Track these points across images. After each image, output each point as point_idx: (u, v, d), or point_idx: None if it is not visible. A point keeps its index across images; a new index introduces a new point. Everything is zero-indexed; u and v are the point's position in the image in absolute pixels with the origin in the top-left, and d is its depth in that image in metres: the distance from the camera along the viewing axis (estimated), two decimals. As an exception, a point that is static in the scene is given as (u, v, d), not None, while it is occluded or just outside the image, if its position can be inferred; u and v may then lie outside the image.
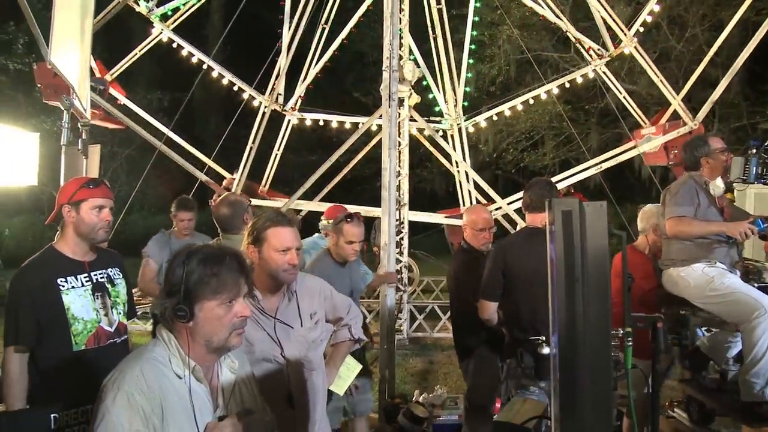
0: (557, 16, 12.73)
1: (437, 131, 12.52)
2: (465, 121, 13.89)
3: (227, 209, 4.99)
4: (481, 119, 14.08)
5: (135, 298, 4.23)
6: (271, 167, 13.43)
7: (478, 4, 14.31)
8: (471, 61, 14.97)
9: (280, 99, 13.17)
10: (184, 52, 12.48)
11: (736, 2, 12.33)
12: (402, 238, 11.35)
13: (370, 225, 11.28)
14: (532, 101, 13.99)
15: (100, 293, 3.65)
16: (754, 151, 5.06)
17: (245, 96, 12.89)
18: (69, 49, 5.77)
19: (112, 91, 11.87)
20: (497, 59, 20.37)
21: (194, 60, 12.57)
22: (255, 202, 10.00)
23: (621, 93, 12.47)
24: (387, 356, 7.08)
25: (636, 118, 12.35)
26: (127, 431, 2.15)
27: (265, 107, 12.64)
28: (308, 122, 13.75)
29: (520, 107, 14.08)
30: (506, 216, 11.42)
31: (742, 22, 11.52)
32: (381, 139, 7.99)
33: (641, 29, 12.34)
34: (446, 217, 12.65)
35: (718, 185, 4.81)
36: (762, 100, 18.02)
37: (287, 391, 3.18)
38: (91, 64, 9.30)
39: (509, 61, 20.18)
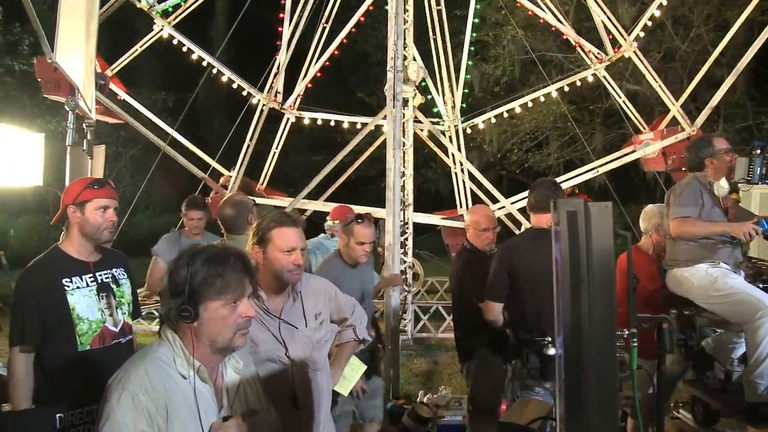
0: (558, 20, 12.70)
1: (432, 133, 12.49)
2: (463, 122, 13.86)
3: (231, 210, 5.00)
4: (479, 121, 14.06)
5: (140, 298, 4.24)
6: (269, 165, 13.39)
7: (478, 6, 14.27)
8: (470, 62, 14.93)
9: (279, 97, 13.14)
10: (184, 49, 12.47)
11: (741, 2, 12.30)
12: (406, 239, 11.36)
13: (375, 225, 11.26)
14: (531, 104, 13.94)
15: (104, 293, 3.65)
16: (759, 151, 5.06)
17: (244, 93, 12.88)
18: (74, 49, 5.79)
19: (113, 86, 11.86)
20: (501, 60, 20.34)
21: (194, 57, 12.55)
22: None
23: (621, 97, 12.44)
24: (391, 357, 7.08)
25: (638, 118, 12.32)
26: (131, 431, 2.16)
27: (263, 105, 12.61)
28: (306, 121, 13.70)
29: (518, 110, 14.04)
30: (510, 215, 11.41)
31: (747, 22, 11.46)
32: (385, 139, 8.00)
33: (641, 34, 12.30)
34: (443, 218, 12.63)
35: (722, 186, 4.80)
36: (767, 101, 17.98)
37: (292, 391, 3.18)
38: (92, 60, 9.32)
39: (513, 61, 20.14)
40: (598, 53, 12.42)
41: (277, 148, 13.48)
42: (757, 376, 4.33)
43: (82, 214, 3.59)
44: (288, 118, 13.38)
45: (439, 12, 13.14)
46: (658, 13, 12.37)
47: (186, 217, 6.57)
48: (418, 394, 7.28)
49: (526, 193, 9.87)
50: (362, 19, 12.83)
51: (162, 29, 12.11)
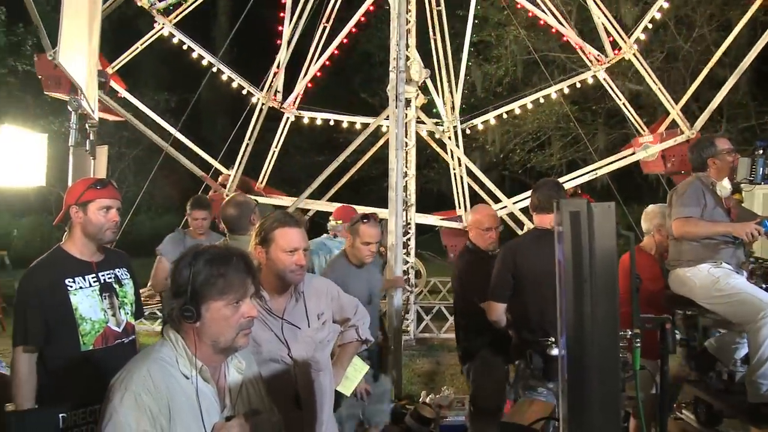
0: (559, 21, 12.69)
1: (433, 133, 12.49)
2: (462, 123, 13.84)
3: (234, 210, 5.00)
4: (478, 122, 14.05)
5: (143, 298, 4.24)
6: (269, 164, 13.38)
7: (479, 8, 14.26)
8: (470, 63, 14.91)
9: (279, 96, 13.13)
10: (184, 47, 12.48)
11: (745, 2, 12.28)
12: (409, 239, 11.36)
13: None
14: (530, 105, 13.93)
15: (107, 293, 3.65)
16: (761, 151, 5.06)
17: (244, 93, 12.88)
18: (77, 50, 5.80)
19: (113, 83, 11.86)
20: (504, 60, 20.33)
21: (194, 55, 12.56)
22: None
23: (621, 99, 12.44)
24: (394, 357, 7.08)
25: (637, 121, 12.30)
26: (134, 431, 2.16)
27: (263, 104, 12.60)
28: (306, 120, 13.71)
29: (517, 111, 14.02)
30: (511, 215, 11.40)
31: (750, 22, 11.44)
32: (388, 139, 7.99)
33: (642, 36, 12.30)
34: (441, 219, 12.63)
35: (724, 186, 4.80)
36: (770, 101, 17.99)
37: (294, 391, 3.18)
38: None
39: (516, 61, 20.12)
40: (598, 55, 12.41)
41: (276, 147, 13.46)
42: (760, 376, 4.32)
43: (85, 214, 3.59)
44: (288, 118, 13.36)
45: (439, 12, 13.13)
46: (658, 16, 12.37)
47: (190, 216, 6.58)
48: (421, 395, 7.29)
49: (528, 193, 9.89)
50: (363, 19, 12.79)
51: (162, 27, 12.12)
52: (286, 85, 13.34)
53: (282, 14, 13.07)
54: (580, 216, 2.21)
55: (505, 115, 14.03)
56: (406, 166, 10.90)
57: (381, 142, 11.44)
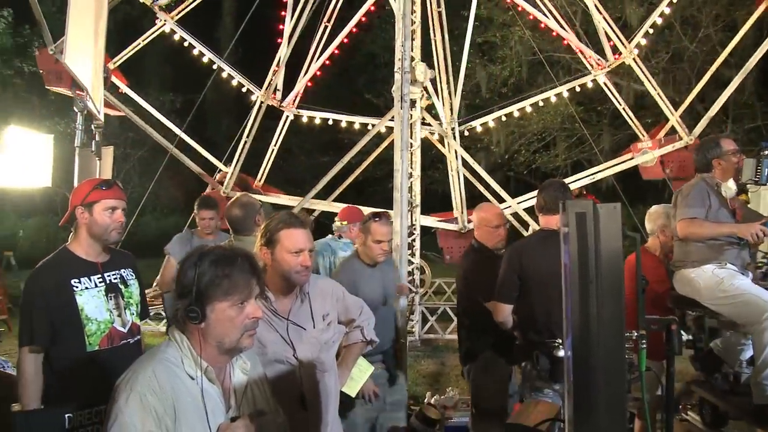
0: (561, 25, 12.67)
1: (432, 133, 12.49)
2: (460, 125, 13.82)
3: (239, 211, 5.00)
4: (476, 124, 14.03)
5: (148, 299, 4.25)
6: (267, 162, 13.38)
7: (481, 9, 14.25)
8: (470, 64, 14.89)
9: (279, 94, 13.12)
10: (185, 44, 12.49)
11: (750, 2, 12.25)
12: (414, 240, 11.35)
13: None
14: (530, 108, 13.92)
15: (113, 294, 3.66)
16: (767, 152, 5.03)
17: (244, 91, 12.89)
18: (83, 50, 5.81)
19: (114, 79, 11.87)
20: (509, 60, 20.30)
21: (195, 52, 12.57)
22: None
23: (621, 104, 12.44)
24: (399, 358, 7.06)
25: (637, 126, 12.31)
26: (139, 432, 2.17)
27: (261, 102, 12.59)
28: (305, 119, 13.70)
29: (516, 114, 14.01)
30: (516, 215, 11.40)
31: (756, 23, 11.44)
32: (393, 140, 7.99)
33: (643, 41, 12.28)
34: (438, 221, 12.62)
35: (729, 187, 4.79)
36: (776, 101, 17.95)
37: (299, 392, 3.18)
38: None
39: (521, 62, 20.10)
40: (599, 59, 12.40)
41: (275, 146, 13.45)
42: (765, 377, 4.31)
43: (91, 215, 3.60)
44: (287, 116, 13.35)
45: (440, 14, 13.11)
46: (659, 21, 12.36)
47: (198, 216, 6.60)
48: (426, 396, 7.28)
49: (533, 194, 9.87)
50: (365, 19, 12.76)
51: (164, 23, 12.12)
52: (288, 84, 13.34)
53: (283, 13, 13.07)
54: (586, 217, 2.21)
55: (504, 118, 14.01)
56: (411, 167, 10.89)
57: (386, 143, 11.44)
